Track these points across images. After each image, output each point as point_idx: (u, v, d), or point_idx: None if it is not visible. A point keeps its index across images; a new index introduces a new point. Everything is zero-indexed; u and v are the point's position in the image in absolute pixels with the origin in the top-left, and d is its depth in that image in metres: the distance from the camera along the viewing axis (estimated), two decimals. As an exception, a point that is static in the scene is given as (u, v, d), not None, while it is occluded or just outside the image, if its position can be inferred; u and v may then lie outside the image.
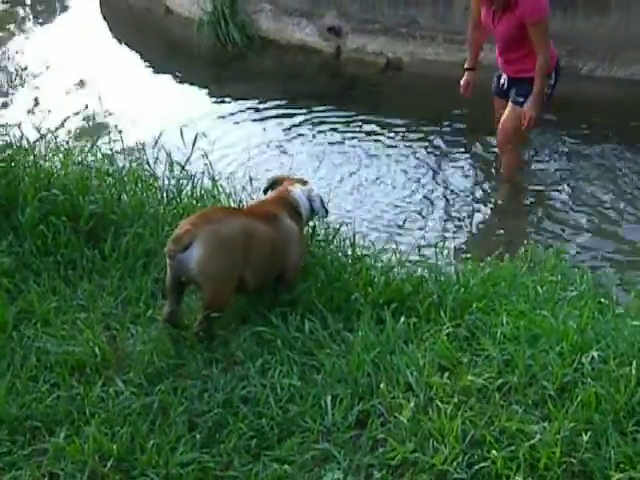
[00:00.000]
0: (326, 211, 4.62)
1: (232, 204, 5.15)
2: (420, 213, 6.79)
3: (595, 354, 3.69)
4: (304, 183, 4.60)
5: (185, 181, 5.33)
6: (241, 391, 3.64)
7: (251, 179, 5.45)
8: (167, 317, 4.02)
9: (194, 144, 5.57)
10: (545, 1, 6.61)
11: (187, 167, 5.45)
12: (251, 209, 4.34)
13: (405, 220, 6.56)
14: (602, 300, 4.48)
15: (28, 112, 9.29)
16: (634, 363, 3.61)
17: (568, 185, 7.25)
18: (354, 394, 3.62)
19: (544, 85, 6.68)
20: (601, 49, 9.23)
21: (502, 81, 6.99)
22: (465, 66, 7.19)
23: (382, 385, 3.61)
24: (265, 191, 4.58)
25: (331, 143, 8.09)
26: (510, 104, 6.91)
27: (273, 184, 4.54)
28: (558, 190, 7.19)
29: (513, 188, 7.31)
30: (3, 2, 13.42)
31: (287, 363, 3.79)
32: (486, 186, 7.28)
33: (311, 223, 4.75)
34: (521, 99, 6.78)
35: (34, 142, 5.74)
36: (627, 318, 4.20)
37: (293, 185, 4.49)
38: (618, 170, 7.52)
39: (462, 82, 7.20)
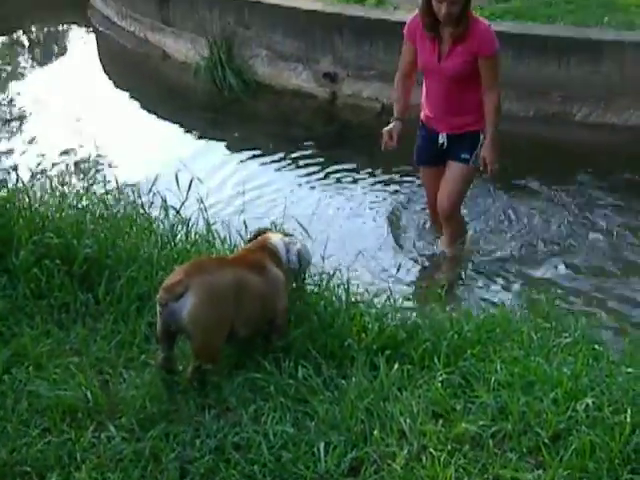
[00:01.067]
0: (308, 262, 4.57)
1: (226, 249, 5.14)
2: (415, 260, 6.79)
3: (589, 401, 3.66)
4: (287, 236, 4.59)
5: (180, 225, 5.34)
6: (233, 437, 3.60)
7: (245, 224, 5.45)
8: (161, 363, 4.00)
9: (189, 188, 5.58)
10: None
11: (182, 211, 5.46)
12: (240, 258, 4.31)
13: (400, 266, 6.56)
14: (596, 346, 4.47)
15: (24, 154, 9.33)
16: (629, 410, 3.59)
17: (551, 229, 7.30)
18: (347, 441, 3.58)
19: (499, 122, 6.08)
20: (595, 96, 9.33)
21: (441, 141, 6.24)
22: (395, 116, 6.29)
23: (375, 432, 3.57)
24: (249, 241, 4.57)
25: (326, 187, 8.13)
26: (454, 164, 6.26)
27: (256, 235, 4.52)
28: (546, 236, 7.22)
29: (458, 261, 6.77)
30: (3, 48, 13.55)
31: (280, 410, 3.76)
32: (479, 232, 7.29)
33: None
34: (467, 155, 6.15)
35: (29, 184, 5.76)
36: (621, 365, 4.19)
37: (273, 234, 4.50)
38: (610, 217, 7.57)
39: (386, 132, 6.25)
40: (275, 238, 4.44)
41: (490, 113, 6.03)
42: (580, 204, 7.74)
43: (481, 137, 6.13)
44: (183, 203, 5.49)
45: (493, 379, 3.89)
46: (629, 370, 4.02)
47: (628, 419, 3.54)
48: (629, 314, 6.17)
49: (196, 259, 4.35)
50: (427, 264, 6.79)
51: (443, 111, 6.17)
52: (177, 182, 5.72)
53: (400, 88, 6.32)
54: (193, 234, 5.30)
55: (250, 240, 4.57)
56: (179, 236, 5.24)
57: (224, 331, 3.94)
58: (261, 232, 4.56)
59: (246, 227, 5.31)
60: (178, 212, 5.44)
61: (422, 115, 6.41)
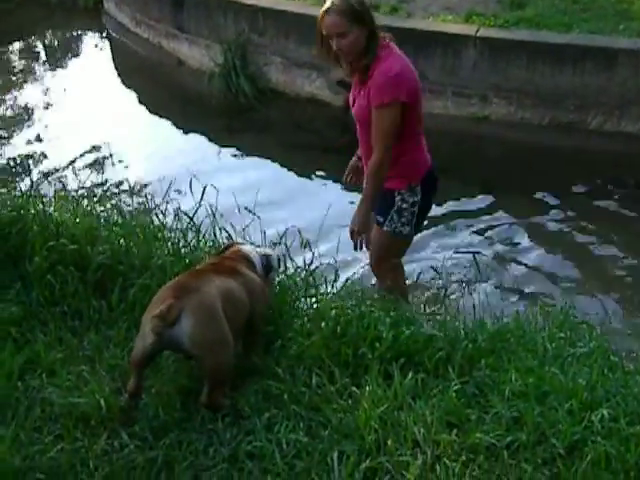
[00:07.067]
0: (279, 266, 4.64)
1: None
2: (434, 267, 6.70)
3: (605, 412, 3.64)
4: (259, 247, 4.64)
5: (192, 232, 5.32)
6: (247, 446, 3.59)
7: (262, 231, 5.44)
8: (133, 391, 3.81)
9: (202, 195, 5.57)
10: (404, 78, 4.72)
11: (195, 218, 5.45)
12: (215, 266, 4.19)
13: (420, 274, 6.49)
14: (611, 357, 4.44)
15: (37, 159, 9.36)
16: (644, 422, 3.58)
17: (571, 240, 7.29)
18: (361, 450, 3.56)
19: (375, 191, 4.97)
20: (610, 104, 9.31)
21: None
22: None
23: (389, 442, 3.56)
24: (218, 254, 4.52)
25: (339, 197, 8.09)
26: (374, 225, 5.27)
27: (225, 248, 4.53)
28: (563, 243, 7.21)
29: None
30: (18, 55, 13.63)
31: (294, 418, 3.74)
32: (493, 242, 7.27)
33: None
34: (381, 218, 5.18)
35: (43, 190, 5.77)
36: (637, 375, 4.16)
37: (244, 246, 4.52)
38: (626, 225, 7.56)
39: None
40: (246, 247, 4.48)
41: (366, 177, 5.02)
42: (590, 214, 7.76)
43: (397, 198, 5.11)
44: (196, 210, 5.47)
45: (507, 389, 3.86)
46: (644, 381, 4.00)
47: (644, 430, 3.52)
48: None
49: (178, 280, 4.02)
50: (446, 271, 6.74)
51: (365, 161, 5.14)
52: (190, 188, 5.71)
53: None
54: (204, 241, 5.28)
55: (219, 253, 4.52)
56: (192, 243, 5.22)
57: (230, 345, 3.80)
58: (229, 246, 4.56)
59: (264, 234, 5.31)
60: (191, 219, 5.41)
61: None
